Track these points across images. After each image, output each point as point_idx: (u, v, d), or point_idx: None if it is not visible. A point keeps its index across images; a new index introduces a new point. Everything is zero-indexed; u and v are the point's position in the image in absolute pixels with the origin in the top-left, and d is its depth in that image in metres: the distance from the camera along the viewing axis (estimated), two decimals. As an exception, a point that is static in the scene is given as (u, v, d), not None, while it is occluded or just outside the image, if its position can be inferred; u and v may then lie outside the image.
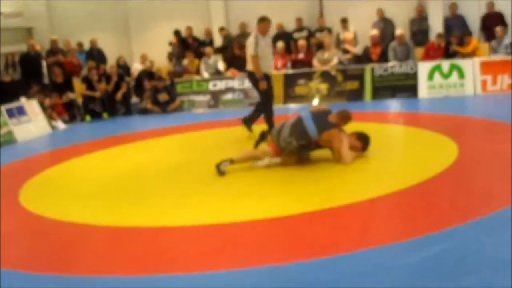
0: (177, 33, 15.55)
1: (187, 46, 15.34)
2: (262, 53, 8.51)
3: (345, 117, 6.82)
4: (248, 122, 8.93)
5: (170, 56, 15.63)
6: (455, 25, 13.65)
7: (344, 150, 6.44)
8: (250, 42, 8.65)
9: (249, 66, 8.76)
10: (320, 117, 6.64)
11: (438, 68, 12.32)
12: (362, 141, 6.71)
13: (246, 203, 5.32)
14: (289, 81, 13.40)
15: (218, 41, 15.78)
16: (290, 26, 15.22)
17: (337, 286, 3.35)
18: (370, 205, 4.93)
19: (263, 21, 8.66)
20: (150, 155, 8.45)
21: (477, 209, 4.51)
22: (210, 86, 13.96)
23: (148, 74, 14.39)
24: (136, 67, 15.60)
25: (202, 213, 5.13)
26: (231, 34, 15.76)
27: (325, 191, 5.58)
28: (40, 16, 17.25)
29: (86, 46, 16.01)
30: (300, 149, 6.58)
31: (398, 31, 13.42)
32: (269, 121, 8.65)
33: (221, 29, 15.64)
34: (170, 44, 15.63)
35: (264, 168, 6.68)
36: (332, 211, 4.84)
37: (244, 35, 15.68)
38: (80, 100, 13.81)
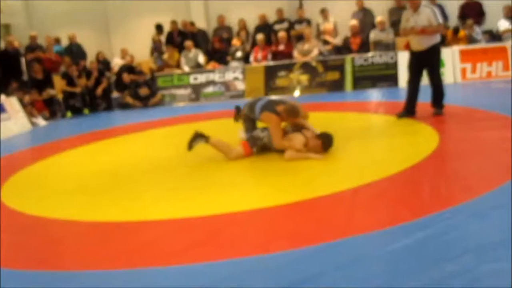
0: (159, 27, 15.46)
1: (172, 40, 15.28)
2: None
3: (288, 111, 6.58)
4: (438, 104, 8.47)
5: (153, 51, 15.57)
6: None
7: (276, 137, 6.56)
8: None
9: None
10: (270, 101, 6.96)
11: (418, 57, 12.36)
12: (322, 138, 6.48)
13: (228, 196, 5.31)
14: (270, 73, 13.43)
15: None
16: (270, 17, 15.23)
17: (321, 274, 3.36)
18: (352, 194, 4.95)
19: None
20: (132, 149, 8.43)
21: (458, 196, 4.55)
22: (191, 79, 13.95)
23: (128, 68, 14.35)
24: (117, 62, 15.54)
25: (184, 206, 5.11)
26: (201, 29, 15.69)
27: (307, 181, 5.58)
28: (18, 13, 17.08)
29: (65, 41, 15.89)
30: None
31: (379, 18, 13.48)
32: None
33: (191, 24, 15.52)
34: (153, 41, 15.54)
35: (245, 160, 6.70)
36: (314, 201, 4.85)
37: (222, 28, 15.68)
38: (60, 96, 13.72)
